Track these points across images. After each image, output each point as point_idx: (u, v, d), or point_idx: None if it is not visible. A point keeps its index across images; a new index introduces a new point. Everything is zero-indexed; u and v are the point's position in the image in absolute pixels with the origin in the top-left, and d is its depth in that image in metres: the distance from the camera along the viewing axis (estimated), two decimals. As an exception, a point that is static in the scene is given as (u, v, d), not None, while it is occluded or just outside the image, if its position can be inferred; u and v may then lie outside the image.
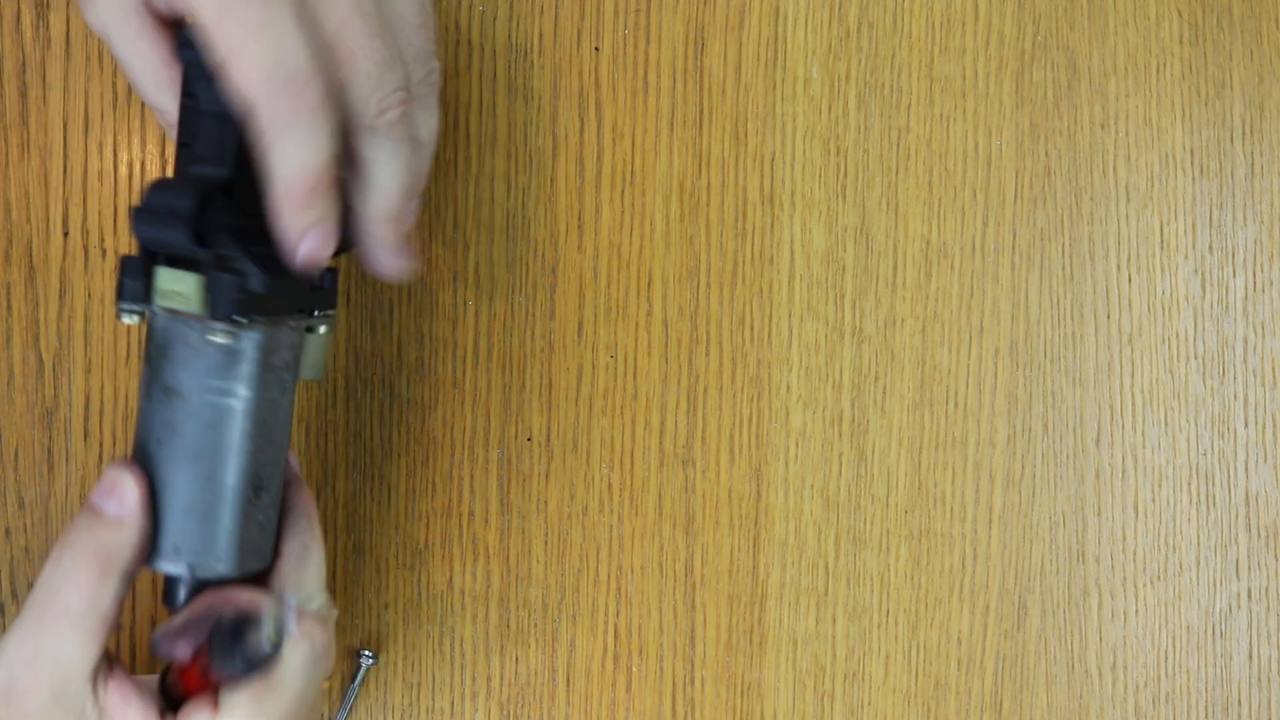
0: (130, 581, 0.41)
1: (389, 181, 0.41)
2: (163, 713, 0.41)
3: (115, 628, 0.41)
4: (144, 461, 0.42)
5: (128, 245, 0.51)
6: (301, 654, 0.41)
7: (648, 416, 0.54)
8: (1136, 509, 0.55)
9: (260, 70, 0.37)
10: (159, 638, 0.41)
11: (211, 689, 0.41)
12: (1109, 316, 0.55)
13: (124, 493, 0.41)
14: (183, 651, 0.41)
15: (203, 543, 0.42)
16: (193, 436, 0.42)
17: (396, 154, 0.41)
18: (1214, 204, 0.56)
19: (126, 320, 0.41)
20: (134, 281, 0.41)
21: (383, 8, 0.40)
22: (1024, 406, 0.55)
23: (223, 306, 0.40)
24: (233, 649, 0.39)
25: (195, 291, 0.40)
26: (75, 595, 0.39)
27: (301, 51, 0.37)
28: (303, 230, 0.39)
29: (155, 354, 0.41)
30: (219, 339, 0.41)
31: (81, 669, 0.40)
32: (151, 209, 0.40)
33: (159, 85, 0.41)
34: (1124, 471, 0.55)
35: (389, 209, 0.41)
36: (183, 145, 0.41)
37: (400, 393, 0.52)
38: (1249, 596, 0.55)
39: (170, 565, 0.42)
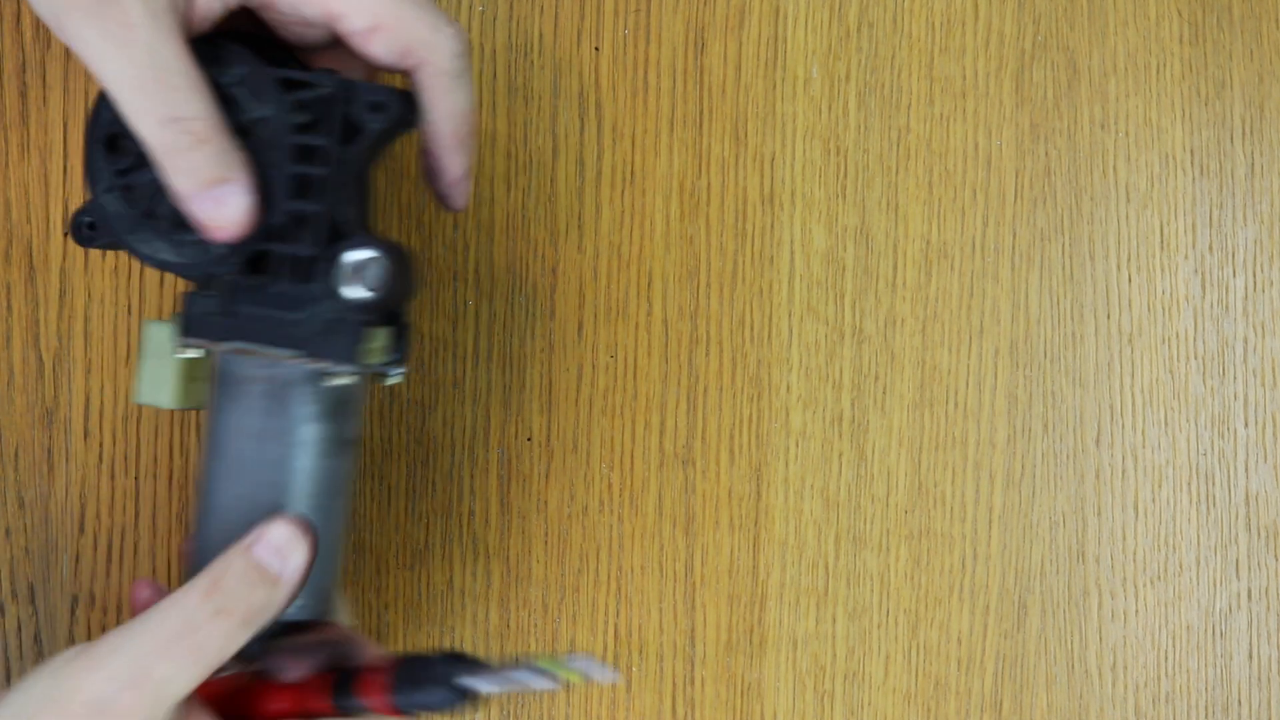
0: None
1: (473, 94, 0.42)
2: None
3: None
4: (317, 514, 0.42)
5: (128, 245, 0.51)
6: None
7: (648, 416, 0.54)
8: (1136, 509, 0.55)
9: (420, 29, 0.39)
10: (275, 655, 0.42)
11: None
12: (1109, 316, 0.55)
13: (292, 557, 0.40)
14: (294, 673, 0.41)
15: (315, 587, 0.42)
16: (350, 482, 0.43)
17: (467, 87, 0.42)
18: (1214, 204, 0.56)
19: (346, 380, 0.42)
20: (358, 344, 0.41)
21: None
22: (1024, 406, 0.55)
23: (403, 352, 0.43)
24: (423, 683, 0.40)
25: (386, 343, 0.43)
26: (214, 639, 0.38)
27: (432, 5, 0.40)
28: (468, 166, 0.43)
29: (333, 411, 0.42)
30: (348, 381, 0.42)
31: (180, 702, 0.38)
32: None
33: (196, 87, 0.38)
34: (1124, 471, 0.55)
35: (476, 122, 0.44)
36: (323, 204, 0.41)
37: (400, 393, 0.52)
38: (1249, 596, 0.55)
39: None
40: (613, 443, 0.54)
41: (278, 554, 0.40)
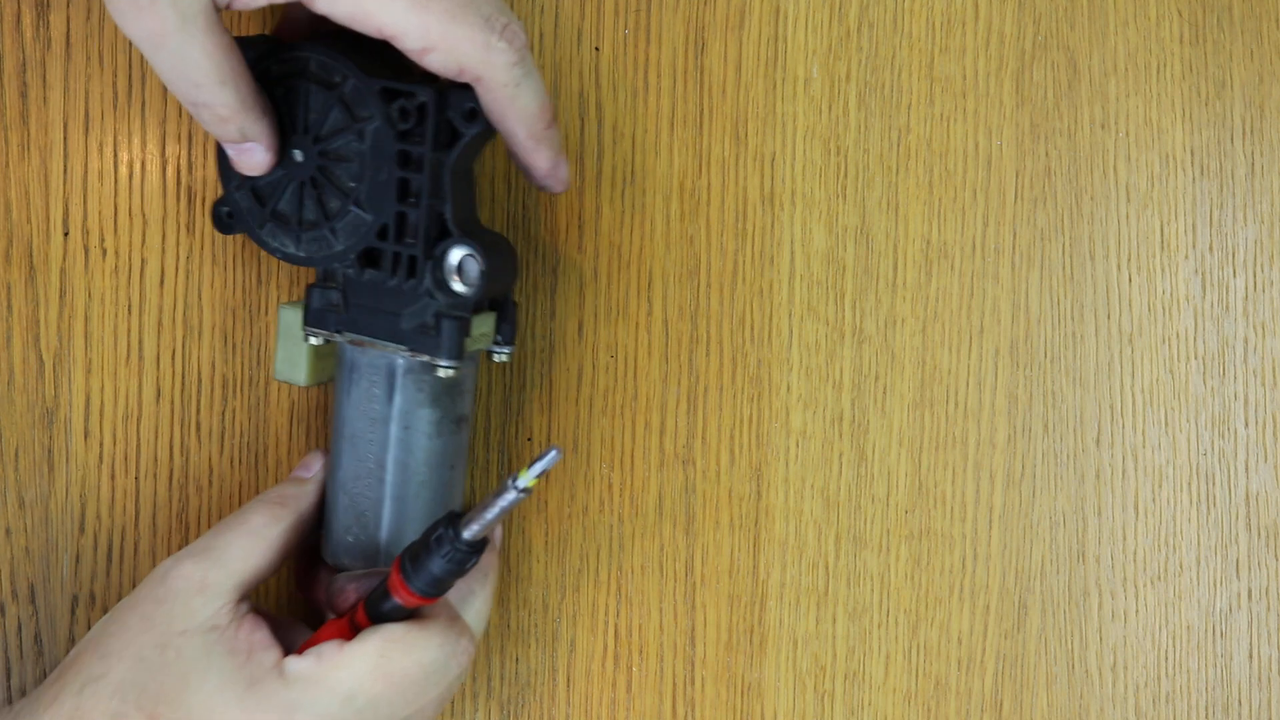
0: (296, 539, 0.47)
1: (541, 89, 0.44)
2: (285, 652, 0.44)
3: (266, 577, 0.46)
4: (431, 488, 0.47)
5: (128, 245, 0.51)
6: (446, 633, 0.44)
7: (648, 416, 0.54)
8: (1137, 509, 0.55)
9: (470, 49, 0.41)
10: (339, 581, 0.47)
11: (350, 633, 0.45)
12: (1109, 316, 0.55)
13: (312, 463, 0.49)
14: (349, 596, 0.46)
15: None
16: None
17: (537, 84, 0.44)
18: (1214, 204, 0.56)
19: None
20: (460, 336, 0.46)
21: None
22: (1024, 406, 0.55)
23: (509, 333, 0.48)
24: (423, 557, 0.43)
25: (491, 327, 0.48)
26: (257, 515, 0.46)
27: (484, 3, 0.41)
28: (556, 156, 0.45)
29: (440, 396, 0.47)
30: (453, 372, 0.46)
31: (237, 577, 0.45)
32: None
33: (223, 77, 0.41)
34: (1124, 471, 0.55)
35: (551, 114, 0.45)
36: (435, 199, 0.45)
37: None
38: (1249, 596, 0.55)
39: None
40: (613, 443, 0.54)
41: (303, 467, 0.49)
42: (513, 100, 0.43)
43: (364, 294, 0.46)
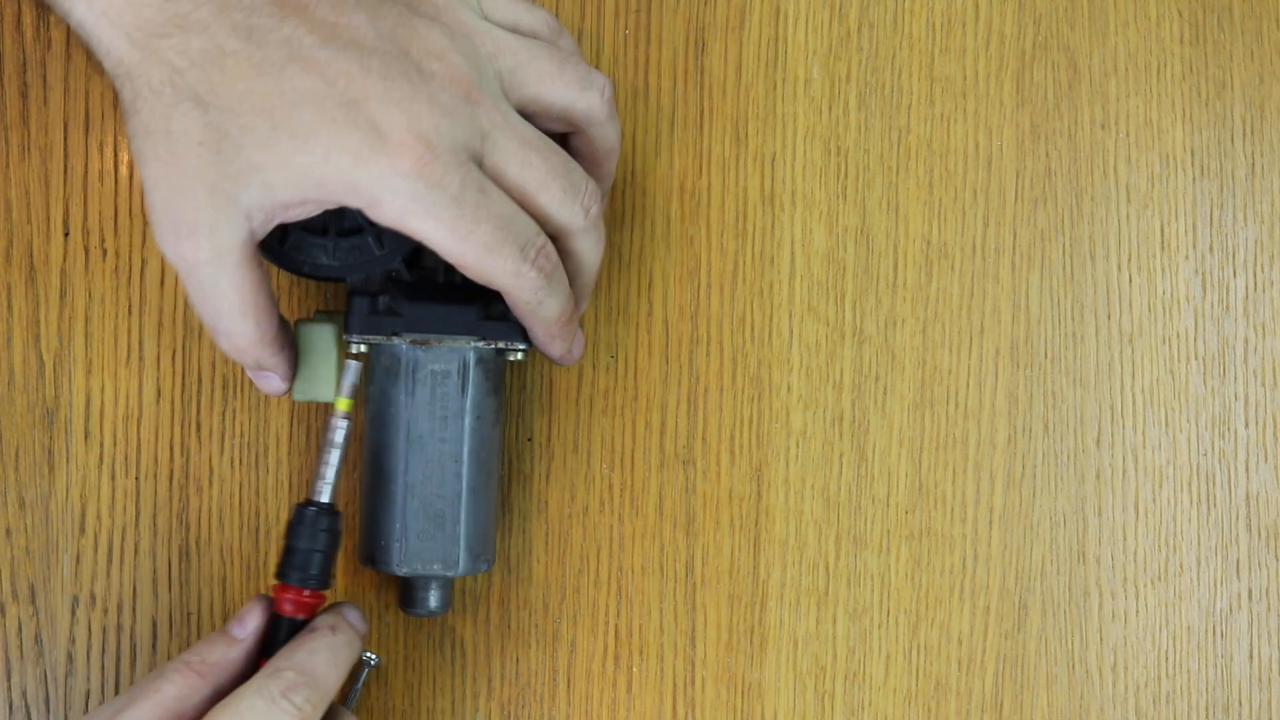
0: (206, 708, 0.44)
1: (596, 259, 0.47)
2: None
3: None
4: (484, 475, 0.48)
5: (128, 245, 0.51)
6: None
7: (648, 417, 0.54)
8: (1137, 509, 0.55)
9: (506, 273, 0.43)
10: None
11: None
12: (1109, 317, 0.55)
13: (248, 619, 0.45)
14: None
15: (484, 535, 0.49)
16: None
17: (600, 238, 0.47)
18: (1214, 204, 0.56)
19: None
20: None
21: (545, 114, 0.46)
22: (1024, 407, 0.55)
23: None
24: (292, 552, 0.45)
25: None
26: (170, 685, 0.43)
27: (527, 226, 0.43)
28: (570, 346, 0.48)
29: (501, 383, 0.49)
30: (522, 355, 0.48)
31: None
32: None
33: (245, 311, 0.43)
34: (1124, 472, 0.55)
35: (592, 283, 0.48)
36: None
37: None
38: (1249, 596, 0.55)
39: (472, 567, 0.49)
40: (613, 443, 0.54)
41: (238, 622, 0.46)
42: (534, 312, 0.45)
43: (418, 295, 0.46)
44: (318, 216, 0.44)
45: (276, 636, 0.45)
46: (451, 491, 0.47)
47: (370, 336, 0.46)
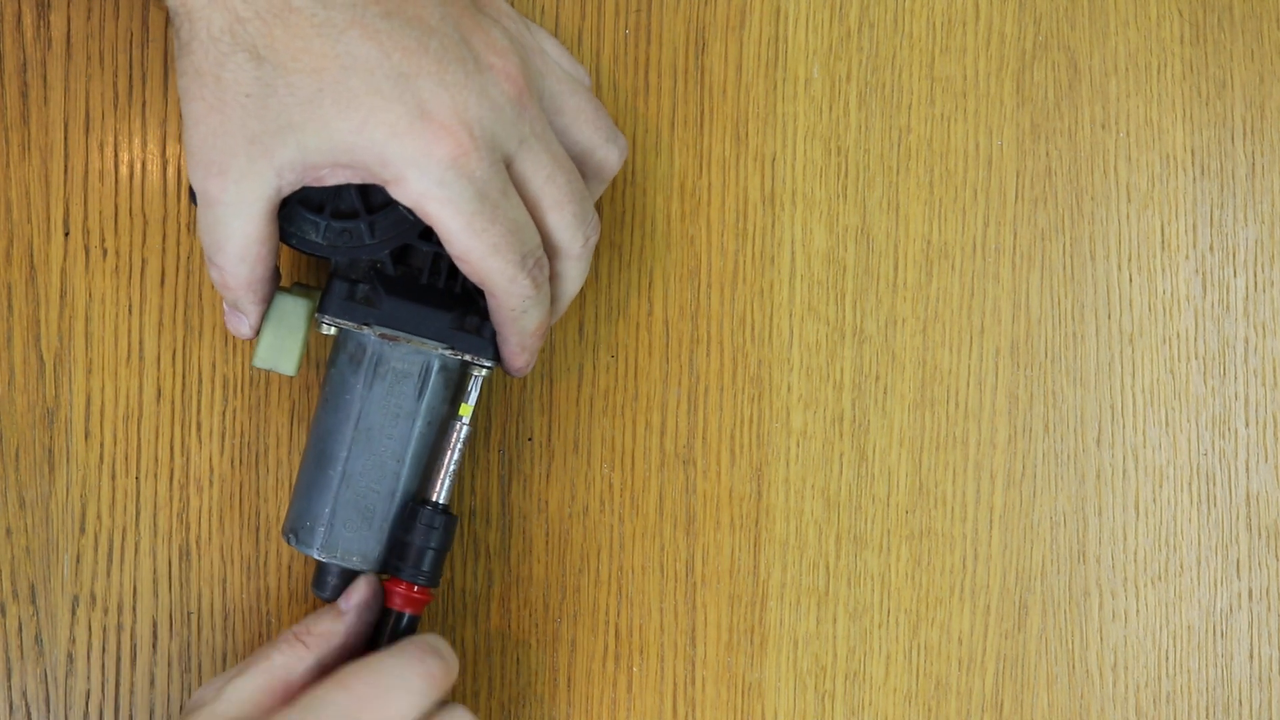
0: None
1: (577, 288, 0.48)
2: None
3: None
4: (419, 474, 0.48)
5: (128, 245, 0.51)
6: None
7: (648, 416, 0.54)
8: (1137, 509, 0.55)
9: (502, 276, 0.44)
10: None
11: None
12: (1110, 316, 0.55)
13: (353, 594, 0.47)
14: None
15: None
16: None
17: (586, 269, 0.48)
18: (1215, 204, 0.56)
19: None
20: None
21: (565, 148, 0.46)
22: (1025, 406, 0.55)
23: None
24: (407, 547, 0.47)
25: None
26: (279, 654, 0.46)
27: (533, 237, 0.44)
28: (529, 361, 0.48)
29: (457, 391, 0.48)
30: (488, 371, 0.48)
31: None
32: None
33: (244, 255, 0.43)
34: (1125, 471, 0.55)
35: (565, 308, 0.49)
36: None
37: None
38: (1250, 596, 0.55)
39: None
40: (613, 443, 0.54)
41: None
42: (514, 320, 0.46)
43: (399, 290, 0.46)
44: (316, 193, 0.44)
45: (384, 628, 0.46)
46: (387, 489, 0.47)
47: (342, 321, 0.46)
